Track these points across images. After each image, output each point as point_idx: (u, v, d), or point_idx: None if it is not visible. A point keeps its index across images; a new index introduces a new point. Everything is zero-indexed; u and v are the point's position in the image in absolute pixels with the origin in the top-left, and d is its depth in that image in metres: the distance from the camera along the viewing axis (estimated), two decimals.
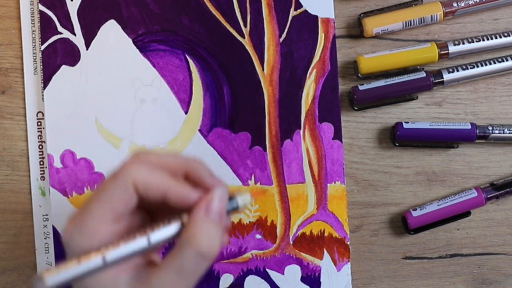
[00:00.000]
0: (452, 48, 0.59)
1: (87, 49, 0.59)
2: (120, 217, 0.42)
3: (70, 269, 0.41)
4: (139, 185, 0.42)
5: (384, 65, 0.59)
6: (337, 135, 0.60)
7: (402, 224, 0.60)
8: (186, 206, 0.42)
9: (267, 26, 0.60)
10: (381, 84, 0.59)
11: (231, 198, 0.44)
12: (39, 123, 0.60)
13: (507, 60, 0.59)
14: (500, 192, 0.60)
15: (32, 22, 0.60)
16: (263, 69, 0.59)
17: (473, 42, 0.59)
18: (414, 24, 0.59)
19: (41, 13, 0.59)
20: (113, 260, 0.41)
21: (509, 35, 0.59)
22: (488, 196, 0.60)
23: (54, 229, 0.59)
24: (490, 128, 0.59)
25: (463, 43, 0.59)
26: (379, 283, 0.61)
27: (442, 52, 0.59)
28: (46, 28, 0.59)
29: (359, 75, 0.59)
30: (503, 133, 0.59)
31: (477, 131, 0.59)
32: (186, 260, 0.41)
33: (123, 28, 0.59)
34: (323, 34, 0.60)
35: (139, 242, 0.42)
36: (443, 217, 0.60)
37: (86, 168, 0.59)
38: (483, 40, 0.59)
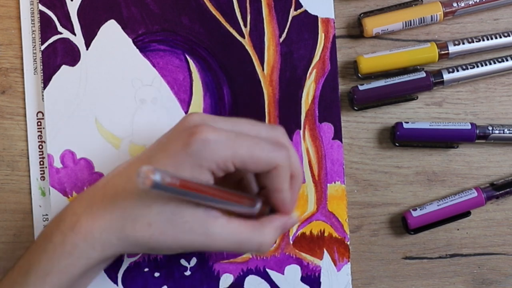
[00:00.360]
0: (452, 48, 0.59)
1: (87, 49, 0.59)
2: (238, 168, 0.47)
3: (178, 186, 0.43)
4: (276, 171, 0.48)
5: (384, 65, 0.59)
6: (337, 135, 0.60)
7: (402, 224, 0.60)
8: (273, 205, 0.50)
9: (267, 26, 0.60)
10: (381, 84, 0.59)
11: None
12: (39, 123, 0.60)
13: (507, 60, 0.59)
14: (500, 192, 0.60)
15: (32, 22, 0.60)
16: (263, 69, 0.60)
17: (473, 42, 0.59)
18: (414, 24, 0.59)
19: (41, 13, 0.59)
20: (210, 198, 0.45)
21: (509, 35, 0.59)
22: (488, 196, 0.60)
23: None
24: (490, 128, 0.59)
25: (463, 43, 0.59)
26: (379, 283, 0.61)
27: (442, 52, 0.59)
28: (46, 28, 0.59)
29: (359, 75, 0.59)
30: (503, 133, 0.59)
31: (477, 131, 0.59)
32: (249, 243, 0.48)
33: (123, 28, 0.59)
34: (323, 34, 0.60)
35: (228, 204, 0.48)
36: (443, 217, 0.60)
37: (86, 168, 0.59)
38: (483, 40, 0.59)
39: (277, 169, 0.48)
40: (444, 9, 0.59)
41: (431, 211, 0.59)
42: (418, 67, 0.60)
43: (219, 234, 0.47)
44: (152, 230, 0.47)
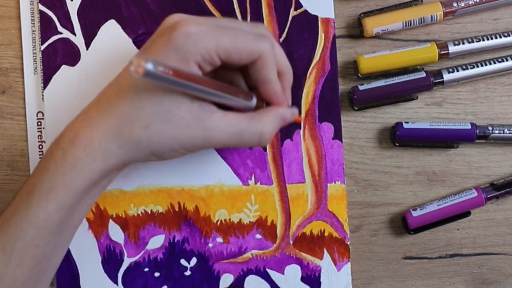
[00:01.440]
0: (452, 48, 0.59)
1: (87, 49, 0.59)
2: (224, 61, 0.47)
3: (174, 69, 0.43)
4: (261, 60, 0.48)
5: (384, 65, 0.59)
6: (337, 135, 0.60)
7: (402, 224, 0.60)
8: (266, 97, 0.51)
9: (267, 26, 0.60)
10: (381, 84, 0.59)
11: None
12: (39, 123, 0.60)
13: (507, 60, 0.59)
14: (500, 192, 0.60)
15: (32, 22, 0.60)
16: None
17: (473, 42, 0.59)
18: (414, 24, 0.59)
19: (41, 13, 0.59)
20: (205, 89, 0.46)
21: (509, 35, 0.59)
22: (488, 196, 0.60)
23: None
24: (490, 128, 0.59)
25: (463, 43, 0.59)
26: (379, 283, 0.61)
27: (442, 52, 0.59)
28: (46, 28, 0.59)
29: (359, 75, 0.59)
30: (503, 133, 0.59)
31: (477, 131, 0.59)
32: (248, 131, 0.49)
33: (123, 28, 0.59)
34: (323, 34, 0.60)
35: (223, 95, 0.48)
36: (443, 217, 0.60)
37: None
38: (483, 40, 0.59)
39: (262, 58, 0.48)
40: (444, 9, 0.59)
41: (431, 211, 0.59)
42: (418, 67, 0.60)
43: (217, 126, 0.48)
44: (150, 131, 0.47)
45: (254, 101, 0.51)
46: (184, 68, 0.46)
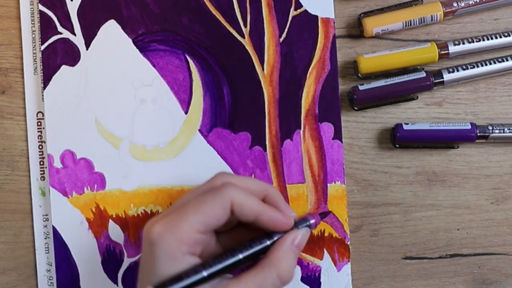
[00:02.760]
0: (452, 48, 0.59)
1: (87, 49, 0.59)
2: (208, 230, 0.47)
3: (179, 284, 0.46)
4: (236, 206, 0.48)
5: (384, 65, 0.59)
6: (337, 135, 0.60)
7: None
8: (273, 228, 0.49)
9: (267, 26, 0.60)
10: (381, 84, 0.59)
11: (304, 219, 0.52)
12: (39, 123, 0.60)
13: (507, 60, 0.59)
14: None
15: (32, 22, 0.60)
16: (263, 69, 0.60)
17: (473, 42, 0.59)
18: (414, 24, 0.59)
19: (41, 13, 0.59)
20: (212, 273, 0.47)
21: (509, 35, 0.59)
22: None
23: (54, 229, 0.59)
24: (490, 127, 0.59)
25: (463, 43, 0.59)
26: (379, 283, 0.61)
27: (442, 52, 0.59)
28: (46, 28, 0.59)
29: (359, 75, 0.59)
30: (503, 132, 0.59)
31: (477, 131, 0.59)
32: (267, 280, 0.47)
33: (123, 28, 0.59)
34: (323, 34, 0.60)
35: (234, 258, 0.48)
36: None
37: (86, 168, 0.59)
38: (483, 40, 0.59)
39: (235, 204, 0.48)
40: (444, 9, 0.59)
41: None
42: (418, 67, 0.60)
43: None
44: None
45: (262, 247, 0.50)
46: (181, 263, 0.46)
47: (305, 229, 0.51)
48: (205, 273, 0.47)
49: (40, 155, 0.60)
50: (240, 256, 0.48)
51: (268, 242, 0.49)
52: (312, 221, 0.52)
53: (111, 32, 0.59)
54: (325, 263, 0.60)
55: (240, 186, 0.49)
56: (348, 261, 0.60)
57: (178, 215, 0.47)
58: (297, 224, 0.51)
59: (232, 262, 0.48)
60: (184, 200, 0.50)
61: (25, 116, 0.60)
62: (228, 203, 0.47)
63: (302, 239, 0.50)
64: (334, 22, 0.60)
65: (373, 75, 0.59)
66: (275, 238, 0.50)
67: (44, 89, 0.59)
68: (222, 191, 0.48)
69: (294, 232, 0.50)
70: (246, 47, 0.60)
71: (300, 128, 0.60)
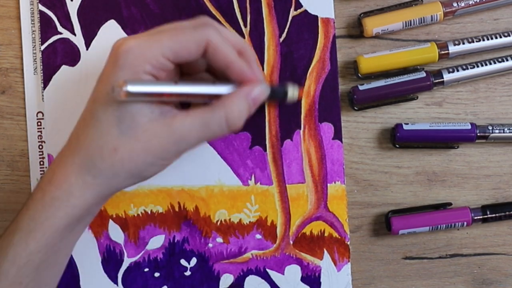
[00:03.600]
0: (452, 48, 0.59)
1: (87, 49, 0.59)
2: (176, 60, 0.47)
3: (149, 86, 0.45)
4: (211, 47, 0.47)
5: (384, 65, 0.59)
6: (337, 135, 0.60)
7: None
8: (237, 80, 0.49)
9: (267, 26, 0.60)
10: (381, 84, 0.59)
11: (282, 85, 0.53)
12: (39, 123, 0.60)
13: (507, 60, 0.59)
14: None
15: (32, 22, 0.60)
16: (263, 69, 0.59)
17: (473, 42, 0.59)
18: (414, 24, 0.59)
19: (41, 13, 0.59)
20: (178, 91, 0.47)
21: (509, 35, 0.59)
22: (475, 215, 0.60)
23: None
24: (490, 127, 0.59)
25: (463, 43, 0.59)
26: (379, 283, 0.61)
27: (442, 52, 0.59)
28: (46, 28, 0.59)
29: (359, 75, 0.59)
30: (503, 132, 0.59)
31: (477, 131, 0.59)
32: (214, 119, 0.47)
33: (123, 28, 0.59)
34: (323, 34, 0.60)
35: (205, 89, 0.48)
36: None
37: None
38: (483, 40, 0.59)
39: (211, 44, 0.47)
40: (444, 9, 0.59)
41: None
42: (418, 67, 0.59)
43: (183, 125, 0.47)
44: (120, 152, 0.47)
45: (231, 86, 0.50)
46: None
47: (265, 86, 0.50)
48: (174, 86, 0.47)
49: (40, 155, 0.60)
50: (199, 88, 0.48)
51: (226, 89, 0.49)
52: (291, 90, 0.52)
53: (111, 32, 0.59)
54: (325, 263, 0.60)
55: (220, 31, 0.48)
56: (348, 261, 0.60)
57: (152, 37, 0.47)
58: (271, 88, 0.51)
59: (194, 90, 0.48)
60: (162, 28, 0.49)
61: (25, 116, 0.60)
62: (203, 40, 0.47)
63: (259, 94, 0.49)
64: (334, 22, 0.60)
65: (373, 75, 0.59)
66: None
67: (44, 89, 0.59)
68: (202, 28, 0.47)
69: (252, 84, 0.49)
70: None
71: (300, 128, 0.60)
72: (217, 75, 0.52)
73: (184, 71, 0.52)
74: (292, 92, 0.53)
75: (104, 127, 0.47)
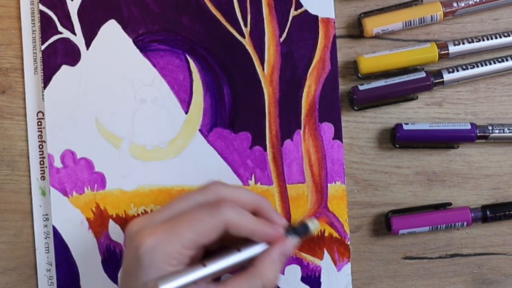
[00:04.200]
0: (452, 48, 0.59)
1: (87, 49, 0.59)
2: (199, 247, 0.48)
3: (180, 278, 0.46)
4: (231, 226, 0.48)
5: (384, 65, 0.59)
6: (337, 135, 0.60)
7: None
8: (262, 241, 0.50)
9: (267, 26, 0.60)
10: (381, 84, 0.59)
11: (302, 223, 0.52)
12: (39, 123, 0.60)
13: (507, 60, 0.59)
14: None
15: (32, 22, 0.60)
16: (263, 69, 0.60)
17: (473, 42, 0.59)
18: (414, 24, 0.59)
19: (42, 13, 0.59)
20: (209, 273, 0.47)
21: (509, 35, 0.59)
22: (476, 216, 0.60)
23: (54, 229, 0.59)
24: (490, 127, 0.59)
25: (463, 43, 0.59)
26: (379, 283, 0.61)
27: (442, 52, 0.59)
28: (46, 28, 0.59)
29: (359, 75, 0.59)
30: (503, 132, 0.59)
31: (477, 131, 0.59)
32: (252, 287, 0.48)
33: (123, 28, 0.59)
34: (323, 34, 0.60)
35: (233, 259, 0.49)
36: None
37: (86, 168, 0.59)
38: (483, 40, 0.59)
39: (231, 224, 0.48)
40: (444, 9, 0.59)
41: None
42: (418, 67, 0.60)
43: None
44: None
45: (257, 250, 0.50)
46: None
47: (294, 239, 0.51)
48: (204, 268, 0.47)
49: (40, 155, 0.60)
50: (229, 260, 0.49)
51: (255, 250, 0.50)
52: (312, 226, 0.52)
53: (112, 32, 0.59)
54: (325, 263, 0.60)
55: (233, 199, 0.50)
56: (348, 261, 0.60)
57: (171, 231, 0.47)
58: (293, 230, 0.51)
59: (225, 265, 0.49)
60: (176, 209, 0.49)
61: (25, 116, 0.60)
62: (223, 223, 0.48)
63: (290, 249, 0.51)
64: (334, 22, 0.60)
65: (373, 75, 0.59)
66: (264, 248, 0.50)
67: (44, 89, 0.59)
68: (218, 211, 0.48)
69: (283, 241, 0.50)
70: (247, 47, 0.60)
71: (300, 128, 0.60)
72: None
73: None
74: (313, 226, 0.53)
75: None
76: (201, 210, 0.48)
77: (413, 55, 0.59)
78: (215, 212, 0.48)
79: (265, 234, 0.50)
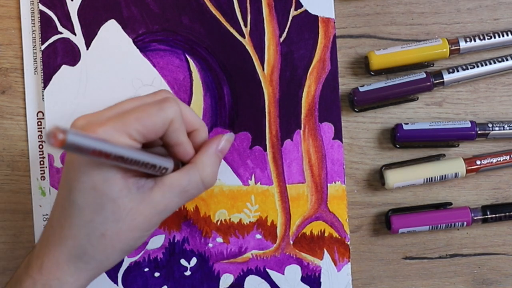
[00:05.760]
0: (463, 44, 0.59)
1: (87, 49, 0.59)
2: (143, 141, 0.47)
3: (94, 140, 0.41)
4: (172, 126, 0.47)
5: (395, 61, 0.59)
6: (338, 135, 0.60)
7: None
8: (179, 159, 0.50)
9: (267, 26, 0.60)
10: (381, 86, 0.59)
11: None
12: (39, 123, 0.60)
13: (507, 60, 0.59)
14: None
15: (32, 22, 0.60)
16: (263, 69, 0.59)
17: (484, 39, 0.59)
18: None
19: (41, 12, 0.59)
20: (132, 156, 0.45)
21: None
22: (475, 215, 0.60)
23: None
24: (490, 125, 0.59)
25: (474, 40, 0.59)
26: (379, 283, 0.61)
27: (453, 48, 0.59)
28: (46, 28, 0.59)
29: (371, 72, 0.59)
30: (503, 129, 0.59)
31: (477, 129, 0.59)
32: (191, 183, 0.49)
33: (123, 28, 0.59)
34: (323, 34, 0.60)
35: (156, 159, 0.47)
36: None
37: None
38: (495, 37, 0.59)
39: (172, 124, 0.47)
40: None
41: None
42: (426, 63, 0.59)
43: (163, 198, 0.48)
44: (108, 237, 0.47)
45: (171, 164, 0.49)
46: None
47: (229, 135, 0.52)
48: (131, 150, 0.45)
49: (40, 155, 0.60)
50: (145, 157, 0.46)
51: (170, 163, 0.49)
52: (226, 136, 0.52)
53: (112, 32, 0.59)
54: (325, 263, 0.60)
55: (181, 109, 0.49)
56: (348, 261, 0.60)
57: (119, 120, 0.46)
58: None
59: (137, 157, 0.46)
60: (124, 107, 0.48)
61: (25, 116, 0.60)
62: (169, 121, 0.47)
63: (225, 144, 0.52)
64: (334, 22, 0.60)
65: (384, 71, 0.59)
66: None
67: (44, 89, 0.59)
68: (167, 106, 0.47)
69: (218, 137, 0.51)
70: (247, 47, 0.60)
71: (300, 128, 0.60)
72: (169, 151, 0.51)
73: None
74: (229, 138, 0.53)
75: (87, 215, 0.46)
76: (150, 104, 0.47)
77: (424, 51, 0.59)
78: (163, 106, 0.47)
79: (185, 152, 0.49)
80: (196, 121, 0.51)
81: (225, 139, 0.52)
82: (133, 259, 0.60)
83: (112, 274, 0.59)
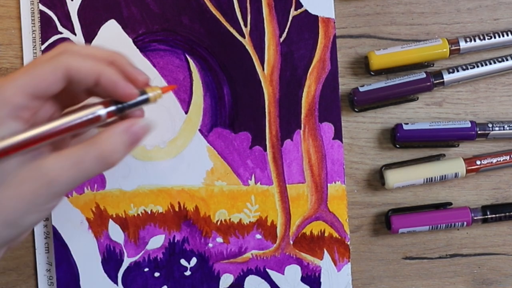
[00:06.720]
0: (463, 44, 0.59)
1: None
2: (38, 95, 0.43)
3: None
4: (73, 71, 0.44)
5: (395, 61, 0.59)
6: (338, 135, 0.60)
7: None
8: (115, 94, 0.45)
9: (267, 26, 0.60)
10: (381, 86, 0.59)
11: (143, 92, 0.46)
12: None
13: (507, 60, 0.59)
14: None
15: (33, 22, 0.60)
16: (263, 69, 0.59)
17: (484, 39, 0.59)
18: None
19: (42, 12, 0.59)
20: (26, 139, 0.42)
21: None
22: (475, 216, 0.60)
23: (54, 229, 0.59)
24: (490, 125, 0.59)
25: (474, 40, 0.59)
26: (379, 283, 0.61)
27: (453, 48, 0.59)
28: (46, 27, 0.59)
29: (371, 72, 0.59)
30: (503, 129, 0.59)
31: (477, 129, 0.59)
32: (87, 157, 0.44)
33: (123, 28, 0.59)
34: (323, 34, 0.60)
35: (56, 124, 0.44)
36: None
37: None
38: (495, 37, 0.59)
39: (73, 68, 0.44)
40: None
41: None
42: (426, 63, 0.59)
43: (53, 166, 0.43)
44: None
45: (103, 110, 0.45)
46: (2, 127, 0.43)
47: (146, 123, 0.46)
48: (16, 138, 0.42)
49: None
50: (63, 122, 0.44)
51: (102, 111, 0.45)
52: (151, 94, 0.47)
53: (112, 32, 0.59)
54: (325, 263, 0.60)
55: (81, 53, 0.45)
56: (348, 261, 0.60)
57: (5, 78, 0.43)
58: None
59: (53, 128, 0.43)
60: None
61: None
62: (61, 68, 0.43)
63: (139, 132, 0.46)
64: (334, 22, 0.60)
65: (384, 71, 0.59)
66: (112, 108, 0.45)
67: None
68: (57, 56, 0.44)
69: (134, 119, 0.46)
70: (247, 47, 0.60)
71: (300, 128, 0.60)
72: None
73: (68, 104, 0.48)
74: (154, 96, 0.47)
75: None
76: (41, 57, 0.44)
77: (424, 51, 0.59)
78: (54, 57, 0.44)
79: (111, 79, 0.45)
80: (106, 54, 0.46)
81: (142, 124, 0.46)
82: (133, 259, 0.60)
83: (112, 274, 0.59)
